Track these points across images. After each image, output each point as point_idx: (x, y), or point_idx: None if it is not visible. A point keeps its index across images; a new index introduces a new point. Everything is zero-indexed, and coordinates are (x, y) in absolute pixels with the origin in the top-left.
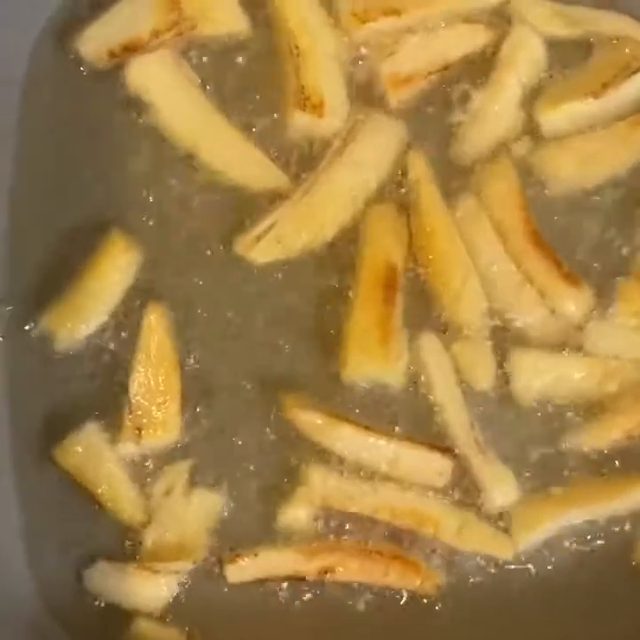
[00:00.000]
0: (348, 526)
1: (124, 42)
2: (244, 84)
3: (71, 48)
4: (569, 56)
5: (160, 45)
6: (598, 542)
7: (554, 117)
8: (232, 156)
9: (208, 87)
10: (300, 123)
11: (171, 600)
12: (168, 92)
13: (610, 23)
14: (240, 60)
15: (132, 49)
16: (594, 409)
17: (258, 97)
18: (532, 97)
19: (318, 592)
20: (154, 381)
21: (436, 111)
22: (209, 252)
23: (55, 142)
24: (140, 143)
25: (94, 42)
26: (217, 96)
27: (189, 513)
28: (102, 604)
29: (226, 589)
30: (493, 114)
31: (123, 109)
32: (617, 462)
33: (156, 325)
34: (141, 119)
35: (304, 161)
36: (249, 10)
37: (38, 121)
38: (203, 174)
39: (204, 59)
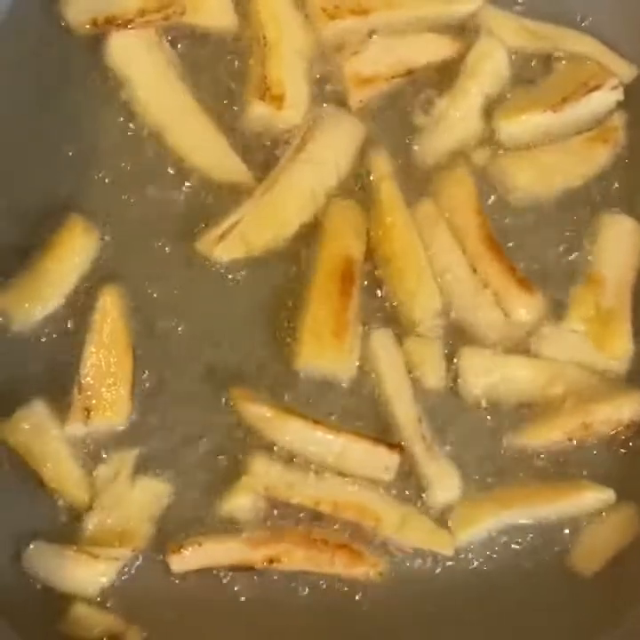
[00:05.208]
0: (294, 515)
1: (108, 14)
2: (222, 76)
3: (55, 9)
4: (531, 69)
5: (144, 24)
6: (536, 543)
7: (513, 128)
8: (199, 143)
9: (186, 73)
10: (259, 113)
11: (110, 586)
12: (145, 71)
13: (573, 41)
14: (222, 52)
15: (115, 23)
16: (538, 410)
17: (233, 91)
18: (493, 107)
19: (263, 581)
20: (105, 362)
21: (396, 114)
22: (168, 243)
23: (17, 110)
24: (109, 119)
25: (79, 7)
26: (194, 84)
27: (133, 499)
28: (40, 587)
29: (169, 577)
30: (454, 120)
31: (96, 80)
32: (558, 465)
33: (110, 307)
34: (114, 93)
35: (268, 157)
36: (238, 5)
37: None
38: (168, 158)
39: (187, 45)
